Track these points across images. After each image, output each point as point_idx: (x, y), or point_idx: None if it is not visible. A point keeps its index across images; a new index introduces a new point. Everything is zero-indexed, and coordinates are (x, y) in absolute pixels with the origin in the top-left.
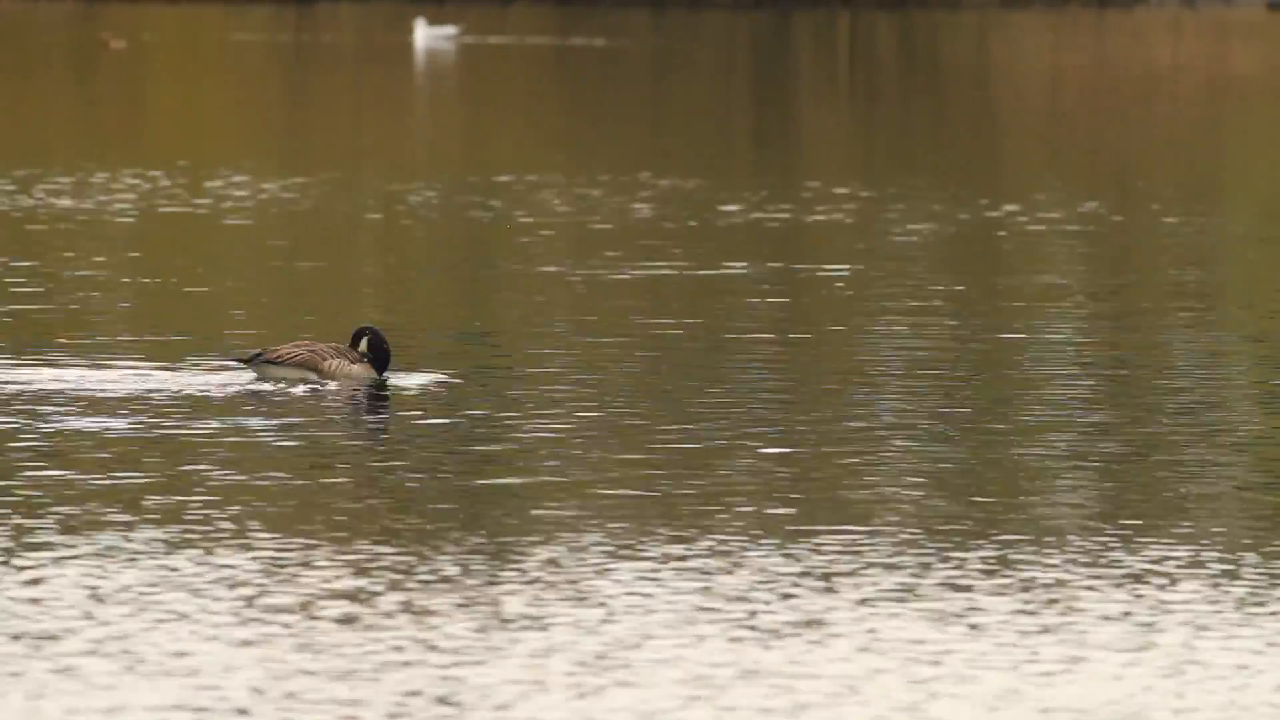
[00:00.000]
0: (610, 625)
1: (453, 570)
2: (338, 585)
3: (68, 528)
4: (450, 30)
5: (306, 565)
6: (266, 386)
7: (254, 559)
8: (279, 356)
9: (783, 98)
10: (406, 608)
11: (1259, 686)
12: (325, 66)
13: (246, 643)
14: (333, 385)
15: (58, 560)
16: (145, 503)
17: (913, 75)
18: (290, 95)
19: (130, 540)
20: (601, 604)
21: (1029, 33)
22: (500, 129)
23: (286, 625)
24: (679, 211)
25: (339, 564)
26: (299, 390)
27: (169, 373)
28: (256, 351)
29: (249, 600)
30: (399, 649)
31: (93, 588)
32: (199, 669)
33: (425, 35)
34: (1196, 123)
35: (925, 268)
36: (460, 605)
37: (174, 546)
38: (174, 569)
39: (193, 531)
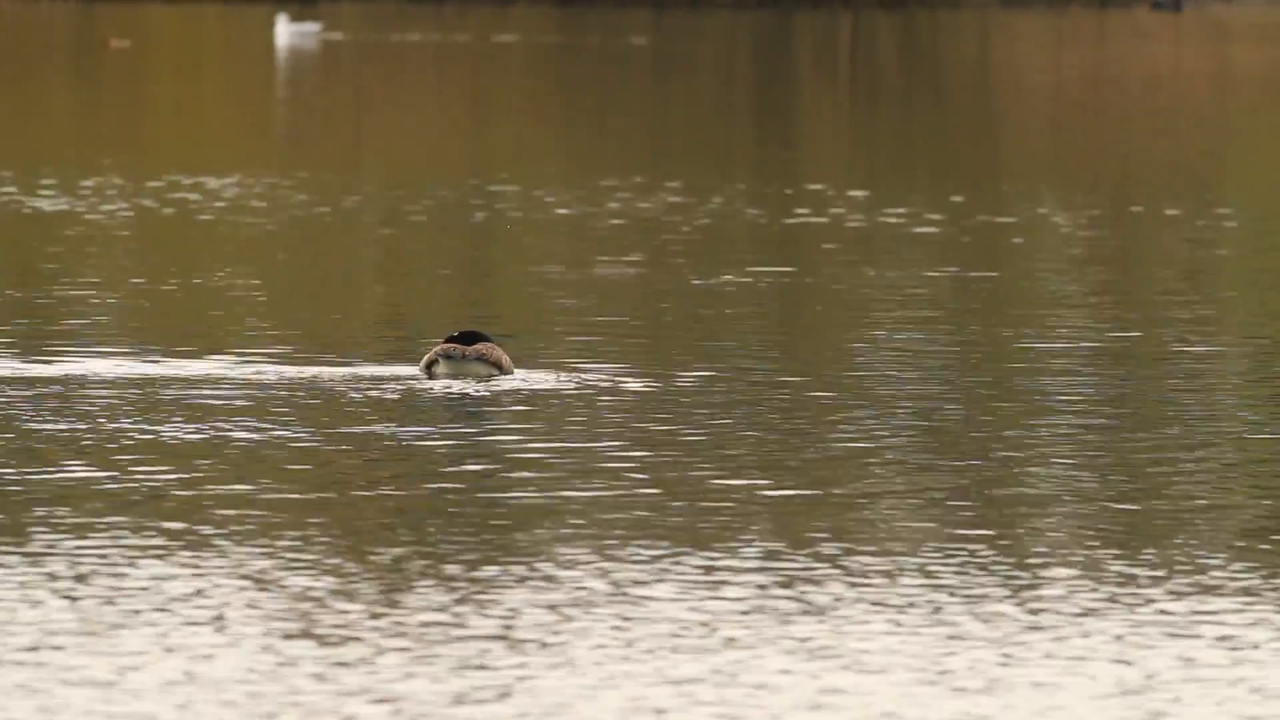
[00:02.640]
0: (603, 633)
1: (444, 581)
2: (325, 595)
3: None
4: (313, 27)
5: (297, 574)
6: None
7: (245, 568)
8: (482, 354)
9: (783, 98)
10: (392, 621)
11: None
12: (328, 66)
13: (230, 654)
14: (506, 380)
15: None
16: (145, 504)
17: (914, 76)
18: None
19: (117, 545)
20: (594, 613)
21: (1030, 33)
22: (498, 130)
23: (275, 636)
24: (679, 213)
25: (331, 573)
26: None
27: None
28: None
29: (230, 611)
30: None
31: (79, 594)
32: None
33: (287, 32)
34: (1197, 123)
35: (926, 270)
36: (456, 614)
37: (163, 554)
38: (162, 577)
39: (175, 538)
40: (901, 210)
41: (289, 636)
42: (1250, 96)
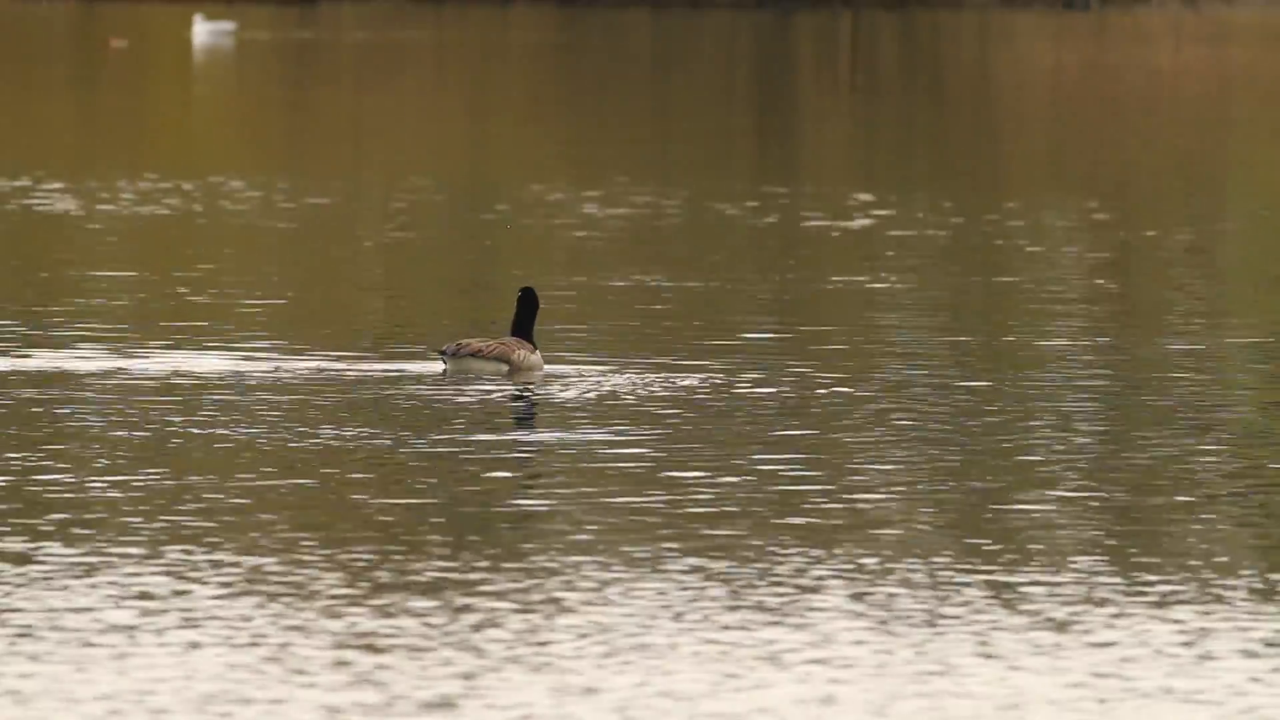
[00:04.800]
0: (596, 646)
1: (437, 589)
2: (325, 604)
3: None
4: (228, 26)
5: (295, 581)
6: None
7: (244, 575)
8: (479, 350)
9: (784, 98)
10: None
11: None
12: (330, 67)
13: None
14: (520, 375)
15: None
16: (134, 506)
17: (914, 76)
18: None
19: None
20: (590, 620)
21: (1030, 33)
22: (503, 130)
23: (275, 640)
24: (677, 215)
25: (330, 580)
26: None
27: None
28: (456, 345)
29: (217, 614)
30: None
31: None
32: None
33: (204, 31)
34: (1197, 124)
35: (927, 272)
36: (444, 620)
37: (151, 553)
38: (150, 579)
39: (165, 538)
40: (902, 212)
41: (285, 638)
42: (1251, 97)
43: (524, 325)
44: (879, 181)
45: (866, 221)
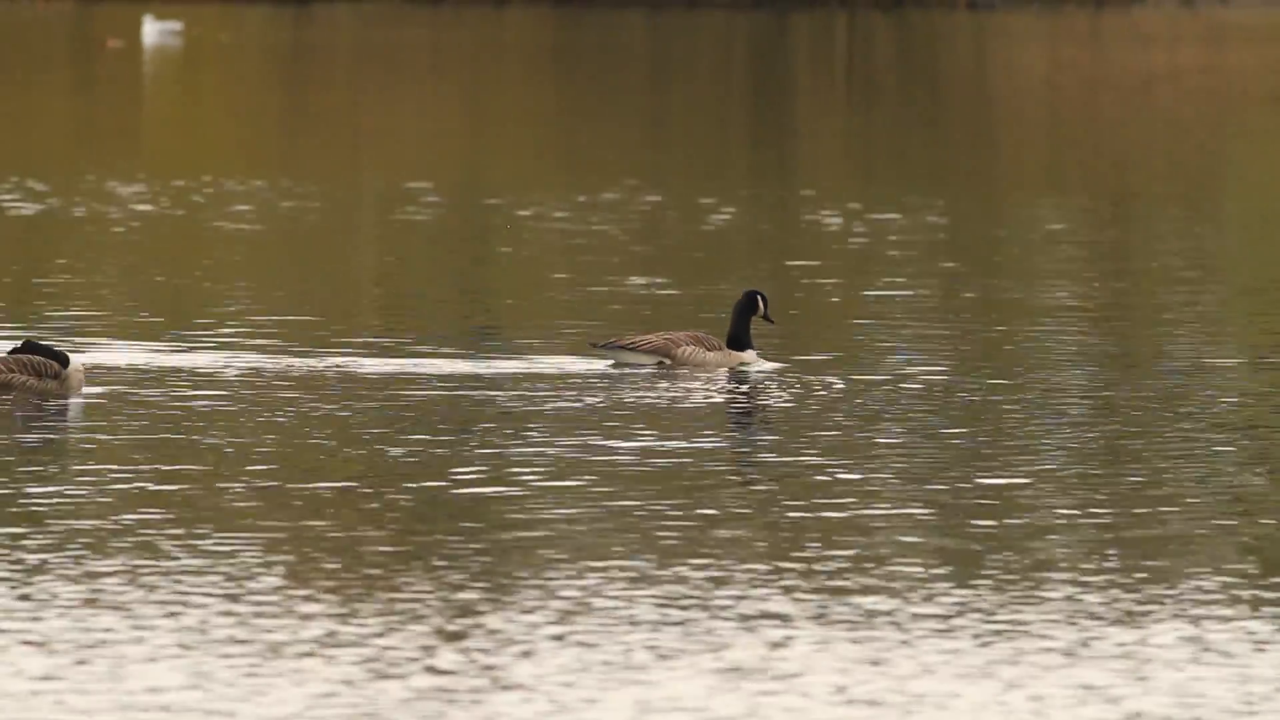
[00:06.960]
0: (585, 654)
1: (432, 595)
2: (307, 610)
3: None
4: (175, 26)
5: (284, 590)
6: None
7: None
8: (634, 344)
9: (779, 100)
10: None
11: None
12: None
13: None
14: (684, 370)
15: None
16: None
17: (910, 77)
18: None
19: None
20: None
21: (1026, 33)
22: (500, 138)
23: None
24: (674, 217)
25: (317, 586)
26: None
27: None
28: (612, 339)
29: (208, 616)
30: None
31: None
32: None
33: (153, 31)
34: (1195, 124)
35: (923, 274)
36: (441, 633)
37: (142, 554)
38: (137, 576)
39: (156, 540)
40: (898, 214)
41: (289, 641)
42: (1248, 97)
43: (734, 326)
44: (874, 184)
45: (860, 224)
